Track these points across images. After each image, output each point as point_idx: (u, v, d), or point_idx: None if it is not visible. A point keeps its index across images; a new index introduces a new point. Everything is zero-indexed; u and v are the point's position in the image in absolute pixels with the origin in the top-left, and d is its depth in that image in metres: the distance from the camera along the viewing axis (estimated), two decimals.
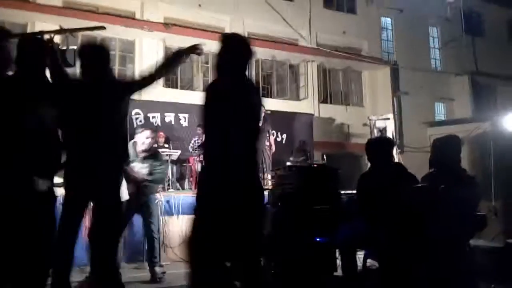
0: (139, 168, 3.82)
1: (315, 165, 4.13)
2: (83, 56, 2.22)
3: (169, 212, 5.09)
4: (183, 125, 8.98)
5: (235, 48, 2.09)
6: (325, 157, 9.88)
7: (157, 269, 3.85)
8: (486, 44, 14.85)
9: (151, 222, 3.91)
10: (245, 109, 1.96)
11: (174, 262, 4.54)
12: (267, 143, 7.15)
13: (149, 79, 2.43)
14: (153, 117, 8.67)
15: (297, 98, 11.87)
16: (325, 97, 12.19)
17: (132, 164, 3.73)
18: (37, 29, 7.74)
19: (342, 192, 3.93)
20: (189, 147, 7.84)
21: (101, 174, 2.11)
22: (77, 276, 2.84)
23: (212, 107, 2.02)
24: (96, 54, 2.27)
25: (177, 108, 8.95)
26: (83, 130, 2.10)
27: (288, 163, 7.56)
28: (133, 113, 8.18)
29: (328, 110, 11.89)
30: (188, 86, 10.73)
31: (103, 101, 2.14)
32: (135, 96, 2.45)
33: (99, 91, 2.12)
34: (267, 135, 7.16)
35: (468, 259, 2.81)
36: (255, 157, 2.00)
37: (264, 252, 3.34)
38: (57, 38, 2.25)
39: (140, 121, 8.46)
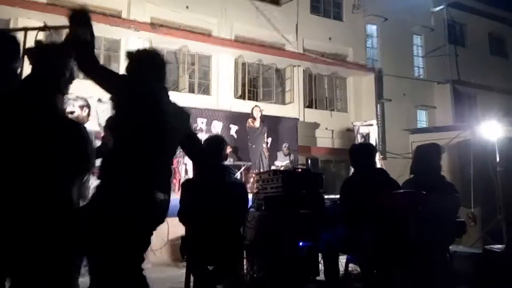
0: None
1: (300, 170, 4.13)
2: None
3: None
4: None
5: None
6: (309, 162, 9.95)
7: None
8: (468, 54, 15.26)
9: None
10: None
11: (156, 266, 4.46)
12: (264, 145, 7.16)
13: None
14: None
15: (282, 102, 11.93)
16: (310, 102, 12.28)
17: None
18: (20, 25, 7.58)
19: (326, 196, 3.94)
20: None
21: None
22: None
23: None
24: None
25: None
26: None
27: (273, 167, 7.63)
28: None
29: (313, 115, 11.99)
30: (174, 87, 10.65)
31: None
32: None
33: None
34: (264, 136, 7.17)
35: (447, 264, 2.86)
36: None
37: (247, 255, 3.33)
38: (41, 35, 2.16)
39: None
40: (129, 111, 1.90)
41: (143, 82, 2.00)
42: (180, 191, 2.83)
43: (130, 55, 2.09)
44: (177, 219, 2.75)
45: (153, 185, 1.88)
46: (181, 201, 2.74)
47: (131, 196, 1.80)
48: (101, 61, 2.01)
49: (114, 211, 1.77)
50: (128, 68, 2.08)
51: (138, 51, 2.11)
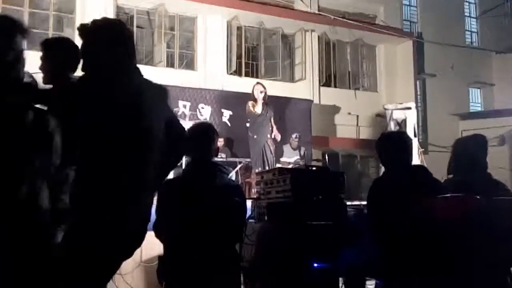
0: None
1: (314, 168, 4.14)
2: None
3: None
4: None
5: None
6: (326, 157, 9.97)
7: None
8: None
9: None
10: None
11: None
12: (269, 135, 7.13)
13: None
14: None
15: (291, 79, 11.93)
16: (328, 79, 12.28)
17: None
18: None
19: (349, 203, 3.93)
20: None
21: None
22: None
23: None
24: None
25: None
26: None
27: (278, 165, 7.64)
28: None
29: (331, 96, 12.00)
30: (147, 60, 10.62)
31: None
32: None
33: None
34: (270, 123, 7.14)
35: None
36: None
37: (245, 280, 3.35)
38: None
39: None
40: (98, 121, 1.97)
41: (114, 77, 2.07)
42: (156, 197, 2.83)
43: (86, 33, 2.10)
44: (152, 233, 2.74)
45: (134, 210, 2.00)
46: (157, 210, 2.74)
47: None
48: (50, 26, 2.08)
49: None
50: (87, 56, 2.10)
51: (96, 25, 2.12)
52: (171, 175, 2.74)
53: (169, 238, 2.73)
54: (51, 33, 9.19)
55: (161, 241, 2.76)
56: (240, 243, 3.06)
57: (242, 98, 7.91)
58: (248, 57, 11.52)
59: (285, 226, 3.52)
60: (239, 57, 11.21)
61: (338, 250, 3.26)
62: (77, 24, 8.68)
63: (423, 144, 11.48)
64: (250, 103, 7.09)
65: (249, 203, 3.58)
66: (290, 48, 12.14)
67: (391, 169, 3.14)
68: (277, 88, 10.13)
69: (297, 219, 3.53)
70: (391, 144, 3.19)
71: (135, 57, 2.23)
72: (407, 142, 3.22)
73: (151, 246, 3.01)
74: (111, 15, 9.58)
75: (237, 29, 11.17)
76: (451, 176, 3.13)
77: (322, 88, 11.94)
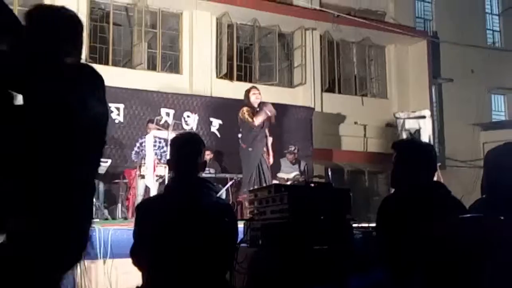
0: None
1: (315, 184, 4.13)
2: None
3: (91, 254, 4.99)
4: (116, 121, 8.88)
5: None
6: (330, 173, 9.97)
7: None
8: None
9: None
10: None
11: None
12: (265, 148, 7.13)
13: None
14: None
15: (289, 83, 11.99)
16: (331, 83, 12.35)
17: None
18: None
19: (355, 225, 3.92)
20: (132, 154, 7.80)
21: None
22: None
23: None
24: None
25: (107, 94, 8.84)
26: None
27: (275, 181, 7.63)
28: None
29: (335, 103, 12.06)
30: (125, 61, 10.62)
31: None
32: None
33: None
34: (265, 135, 7.14)
35: None
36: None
37: None
38: None
39: None
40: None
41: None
42: (134, 218, 2.82)
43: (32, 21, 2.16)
44: (129, 260, 2.73)
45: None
46: (135, 232, 2.73)
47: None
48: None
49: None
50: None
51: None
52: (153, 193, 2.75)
53: (148, 265, 2.71)
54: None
55: (139, 269, 2.74)
56: (230, 271, 3.04)
57: (234, 106, 7.92)
58: (240, 58, 11.56)
59: (282, 251, 3.51)
60: (230, 58, 11.25)
61: (343, 279, 3.25)
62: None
63: (440, 158, 11.51)
64: (244, 109, 7.06)
65: (241, 224, 3.57)
66: (288, 48, 12.20)
67: (404, 185, 3.14)
68: (273, 94, 10.16)
69: (296, 243, 3.52)
70: (405, 155, 3.18)
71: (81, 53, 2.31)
72: (424, 153, 3.22)
73: (128, 275, 2.99)
74: (84, 11, 9.61)
75: (228, 27, 11.22)
76: (484, 196, 3.03)
77: (324, 94, 11.98)
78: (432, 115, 11.13)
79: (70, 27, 2.24)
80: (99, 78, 2.31)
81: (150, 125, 7.77)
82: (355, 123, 12.08)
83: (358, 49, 12.76)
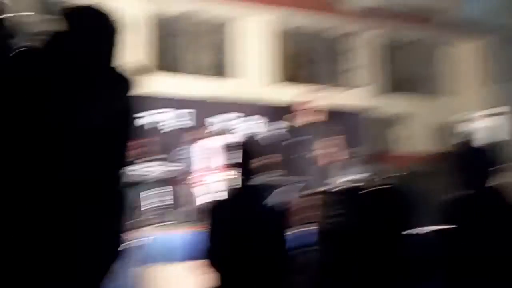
0: None
1: (374, 188, 4.08)
2: None
3: (155, 259, 5.11)
4: (179, 128, 9.06)
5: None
6: (390, 175, 9.77)
7: None
8: None
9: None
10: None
11: None
12: (321, 152, 7.10)
13: None
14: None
15: (346, 86, 11.82)
16: (388, 84, 12.14)
17: None
18: None
19: (418, 229, 3.88)
20: (183, 159, 7.93)
21: None
22: None
23: None
24: None
25: (170, 103, 9.14)
26: None
27: (332, 185, 7.55)
28: None
29: (393, 104, 11.86)
30: (175, 68, 10.82)
31: None
32: None
33: None
34: (321, 139, 7.11)
35: None
36: None
37: None
38: None
39: None
40: None
41: None
42: (198, 222, 2.87)
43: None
44: (190, 263, 2.78)
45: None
46: (199, 236, 2.79)
47: None
48: None
49: None
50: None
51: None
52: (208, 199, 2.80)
53: (207, 268, 2.75)
54: None
55: (212, 271, 2.80)
56: (290, 275, 3.04)
57: (285, 111, 7.92)
58: (292, 63, 11.53)
59: (340, 257, 3.48)
60: (281, 64, 11.24)
61: (408, 286, 3.19)
62: None
63: None
64: (296, 114, 7.10)
65: (298, 229, 3.56)
66: (343, 50, 12.07)
67: (464, 188, 3.07)
68: (329, 97, 10.05)
69: (354, 249, 3.47)
70: (466, 158, 3.12)
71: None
72: (487, 156, 3.14)
73: (183, 279, 3.03)
74: (150, 21, 9.87)
75: (281, 32, 11.22)
76: None
77: (383, 96, 11.79)
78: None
79: (110, 27, 2.26)
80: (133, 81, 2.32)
81: (200, 130, 7.86)
82: (417, 124, 11.83)
83: (417, 48, 12.51)
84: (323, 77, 11.55)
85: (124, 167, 2.26)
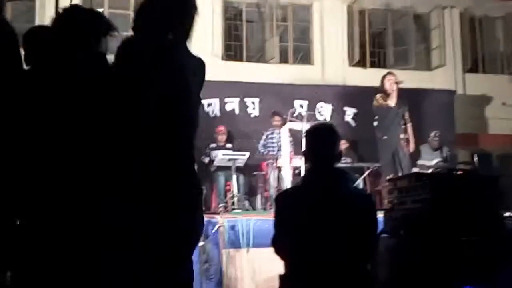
0: None
1: (460, 172, 3.95)
2: None
3: (235, 244, 5.23)
4: (252, 115, 9.20)
5: None
6: (476, 159, 9.41)
7: None
8: None
9: None
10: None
11: None
12: (403, 135, 6.95)
13: None
14: (209, 104, 9.01)
15: (427, 66, 11.55)
16: (473, 63, 11.68)
17: None
18: None
19: (508, 214, 3.75)
20: (259, 146, 8.04)
21: None
22: None
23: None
24: None
25: (242, 90, 9.22)
26: None
27: (415, 169, 7.38)
28: None
29: (479, 84, 11.38)
30: (258, 56, 10.94)
31: None
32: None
33: None
34: (402, 121, 6.96)
35: None
36: None
37: None
38: None
39: None
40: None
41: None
42: (273, 209, 2.91)
43: None
44: (271, 249, 2.82)
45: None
46: (275, 222, 2.82)
47: None
48: None
49: None
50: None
51: None
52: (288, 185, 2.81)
53: (290, 255, 2.78)
54: None
55: (282, 258, 2.82)
56: (372, 262, 3.01)
57: (368, 93, 7.78)
58: (373, 44, 11.36)
59: (426, 242, 3.41)
60: (362, 45, 11.07)
61: (494, 273, 3.08)
62: None
63: None
64: (378, 96, 6.93)
65: (380, 214, 3.52)
66: (424, 30, 11.72)
67: None
68: (410, 78, 9.75)
69: (441, 234, 3.39)
70: None
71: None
72: None
73: (271, 264, 3.09)
74: (218, 10, 10.08)
75: (359, 14, 11.05)
76: None
77: (467, 75, 11.36)
78: None
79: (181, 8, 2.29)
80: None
81: (276, 117, 7.95)
82: (503, 104, 11.26)
83: (503, 24, 11.87)
84: (408, 57, 11.29)
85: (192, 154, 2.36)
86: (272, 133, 8.00)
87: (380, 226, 3.46)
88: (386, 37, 11.41)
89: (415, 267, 3.38)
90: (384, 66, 10.89)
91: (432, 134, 8.35)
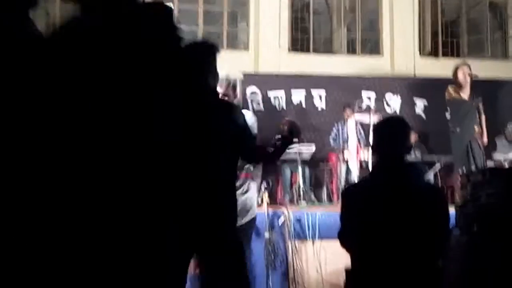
0: None
1: None
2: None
3: (301, 236, 5.25)
4: (319, 107, 9.16)
5: None
6: None
7: None
8: None
9: None
10: None
11: None
12: (476, 127, 6.73)
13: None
14: (275, 97, 9.05)
15: (504, 56, 11.07)
16: None
17: None
18: None
19: None
20: (330, 139, 8.01)
21: None
22: None
23: None
24: None
25: (309, 82, 9.20)
26: None
27: (490, 162, 7.11)
28: (247, 92, 8.68)
29: None
30: (326, 48, 10.87)
31: None
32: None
33: None
34: (476, 113, 6.73)
35: None
36: None
37: None
38: None
39: (258, 103, 8.92)
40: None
41: None
42: (340, 201, 2.89)
43: None
44: (336, 242, 2.81)
45: None
46: (342, 215, 2.79)
47: None
48: None
49: None
50: None
51: None
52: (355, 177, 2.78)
53: (357, 249, 2.74)
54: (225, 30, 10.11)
55: (348, 251, 2.80)
56: (442, 258, 2.93)
57: (440, 85, 7.55)
58: (446, 34, 10.98)
59: (502, 240, 3.29)
60: (434, 35, 10.79)
61: None
62: (251, 16, 9.27)
63: None
64: (450, 88, 6.72)
65: (451, 210, 3.41)
66: (501, 17, 11.24)
67: None
68: (485, 68, 9.43)
69: None
70: None
71: None
72: None
73: (337, 257, 3.07)
74: (286, 2, 10.08)
75: (432, 2, 10.77)
76: None
77: None
78: None
79: None
80: None
81: (348, 109, 7.88)
82: None
83: None
84: (484, 46, 10.92)
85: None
86: (342, 126, 7.95)
87: (452, 221, 3.37)
88: (459, 26, 11.05)
89: (489, 266, 3.28)
90: (457, 56, 10.57)
91: (509, 126, 8.06)
